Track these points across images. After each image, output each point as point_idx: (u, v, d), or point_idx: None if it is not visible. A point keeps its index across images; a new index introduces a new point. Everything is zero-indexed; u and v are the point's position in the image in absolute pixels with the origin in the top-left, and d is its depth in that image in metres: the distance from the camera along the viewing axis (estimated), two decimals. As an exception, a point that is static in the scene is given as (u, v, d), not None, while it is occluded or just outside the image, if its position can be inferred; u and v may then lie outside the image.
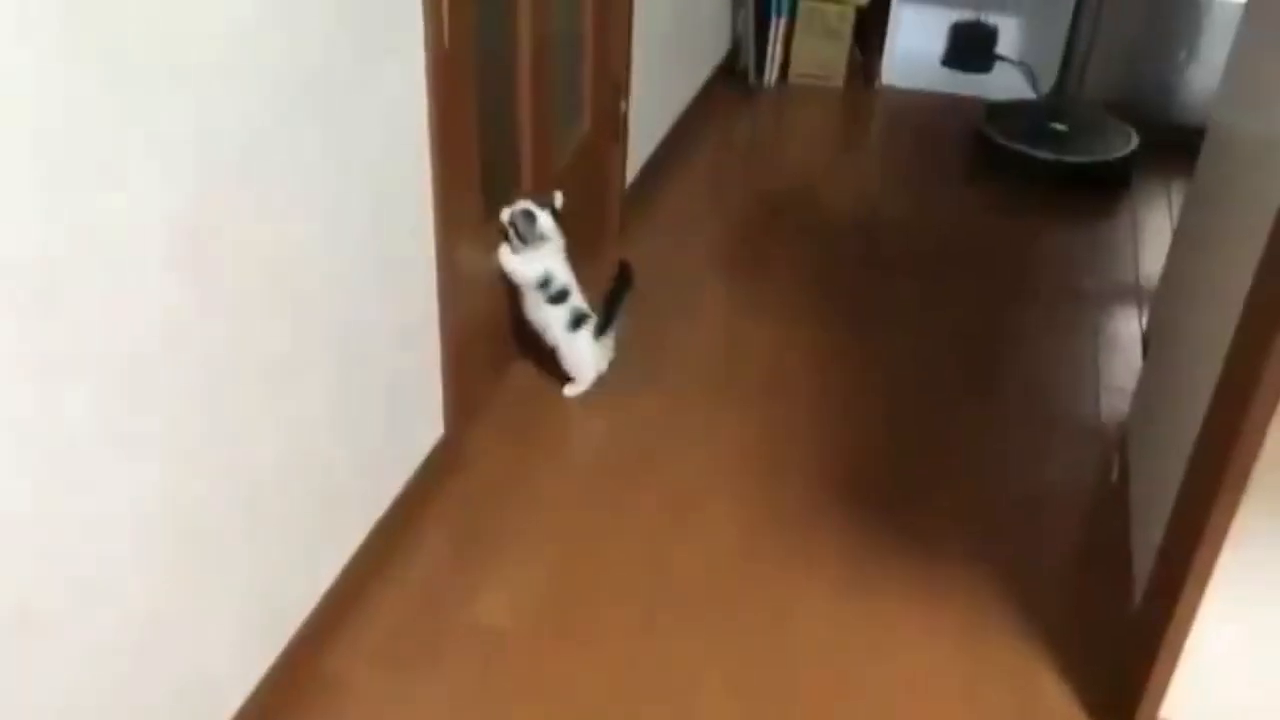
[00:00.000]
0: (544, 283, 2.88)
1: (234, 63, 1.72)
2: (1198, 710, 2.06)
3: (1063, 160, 4.24)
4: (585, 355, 2.96)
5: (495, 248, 2.86)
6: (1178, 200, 4.00)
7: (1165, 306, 3.00)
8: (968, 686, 2.27)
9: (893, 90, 4.98)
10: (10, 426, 1.43)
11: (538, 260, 2.87)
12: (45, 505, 1.52)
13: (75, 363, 1.52)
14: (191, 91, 1.64)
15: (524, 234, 2.82)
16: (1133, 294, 3.60)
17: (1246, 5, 2.79)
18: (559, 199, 2.92)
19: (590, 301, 3.00)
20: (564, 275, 2.93)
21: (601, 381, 3.02)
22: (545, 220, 2.85)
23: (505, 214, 2.83)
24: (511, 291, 2.96)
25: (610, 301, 3.01)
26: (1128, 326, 3.43)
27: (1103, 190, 4.25)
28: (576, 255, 3.03)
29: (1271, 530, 1.89)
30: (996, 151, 4.34)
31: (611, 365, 3.04)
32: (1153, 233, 3.93)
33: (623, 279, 3.04)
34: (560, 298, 2.91)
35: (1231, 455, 1.85)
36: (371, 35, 2.09)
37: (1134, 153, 4.29)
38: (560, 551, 2.56)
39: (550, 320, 2.92)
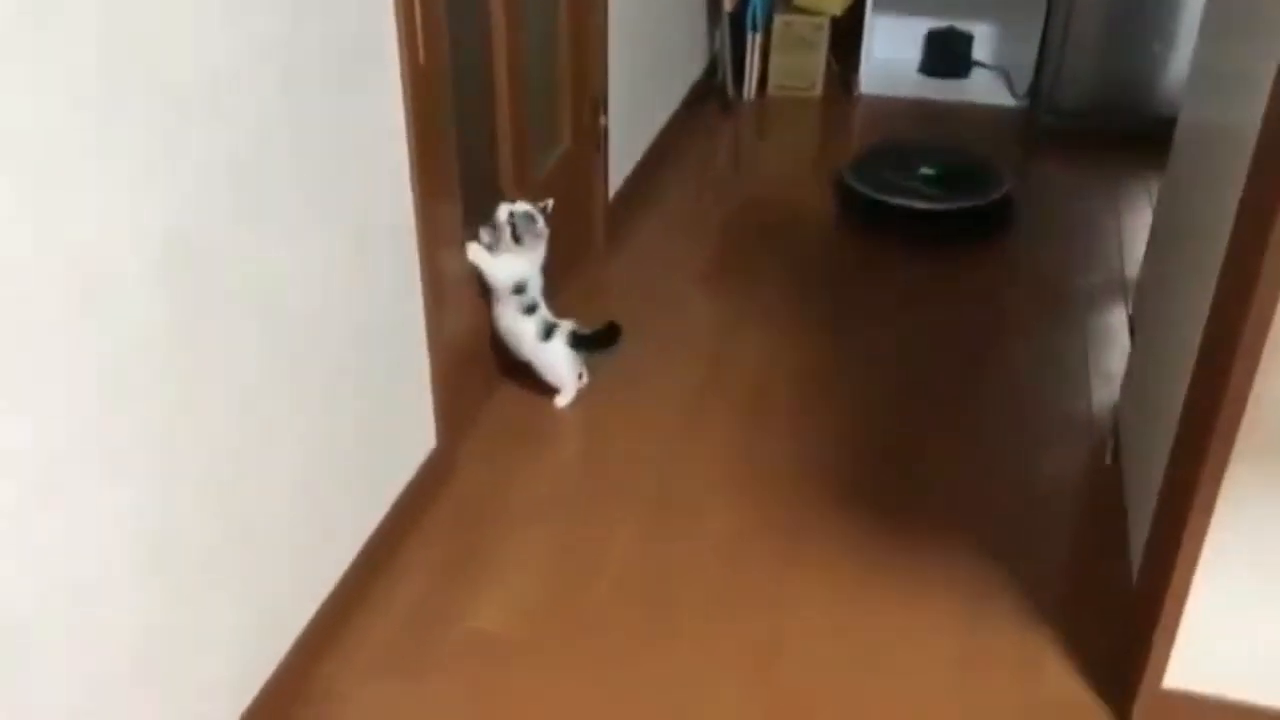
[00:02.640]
0: (519, 288, 2.88)
1: (211, 77, 1.74)
2: (1200, 678, 2.06)
3: (932, 209, 3.89)
4: (562, 362, 2.97)
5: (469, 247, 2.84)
6: (1157, 192, 4.03)
7: (1147, 290, 3.02)
8: (970, 673, 2.27)
9: (871, 99, 5.02)
10: (-6, 436, 1.44)
11: (515, 265, 2.87)
12: (29, 523, 1.51)
13: (56, 380, 1.52)
14: (172, 110, 1.66)
15: (521, 234, 2.83)
16: (1119, 285, 3.61)
17: (1207, -1, 2.84)
18: (550, 205, 2.94)
19: (557, 312, 3.02)
20: (537, 285, 2.94)
21: (590, 393, 3.03)
22: (542, 224, 2.87)
23: (504, 211, 2.82)
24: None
25: (589, 341, 3.00)
26: (1116, 316, 3.44)
27: (979, 237, 3.91)
28: (560, 269, 3.05)
29: (1258, 496, 1.89)
30: (861, 203, 3.98)
31: (599, 377, 3.05)
32: (1135, 225, 3.95)
33: (608, 335, 3.02)
34: (532, 309, 2.93)
35: (1215, 425, 1.86)
36: (348, 52, 2.11)
37: (1007, 195, 3.99)
38: (553, 560, 2.56)
39: (522, 331, 2.93)
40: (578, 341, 2.98)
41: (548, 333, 2.94)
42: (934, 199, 3.90)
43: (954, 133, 4.74)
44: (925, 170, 4.02)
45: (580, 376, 3.02)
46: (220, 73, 1.76)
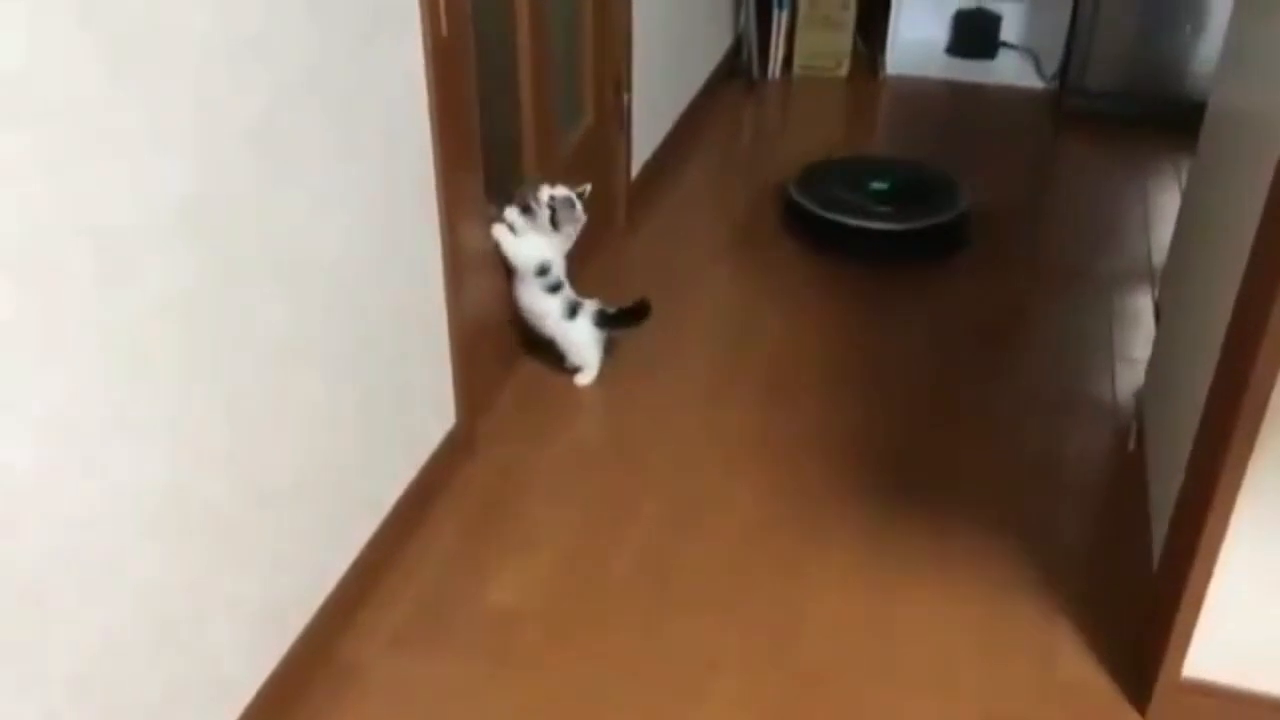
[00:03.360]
0: (542, 270, 2.87)
1: (233, 44, 1.73)
2: (1221, 667, 2.03)
3: (887, 230, 3.57)
4: (587, 341, 2.96)
5: (495, 227, 2.84)
6: (1185, 176, 3.98)
7: (1174, 274, 2.99)
8: (988, 657, 2.25)
9: (898, 79, 4.98)
10: (10, 404, 1.44)
11: (539, 247, 2.86)
12: (46, 485, 1.51)
13: (75, 344, 1.52)
14: (192, 73, 1.65)
15: (560, 220, 2.84)
16: (1145, 269, 3.58)
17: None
18: (588, 190, 2.94)
19: (579, 290, 3.01)
20: (560, 267, 2.92)
21: (610, 371, 3.02)
22: (580, 210, 2.88)
23: (545, 194, 2.83)
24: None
25: (616, 319, 2.99)
26: (1141, 300, 3.41)
27: (930, 259, 3.59)
28: (582, 246, 3.04)
29: (1286, 481, 1.87)
30: (804, 219, 3.67)
31: (619, 355, 3.03)
32: (1163, 209, 3.90)
33: (638, 311, 3.01)
34: (556, 288, 2.91)
35: (1240, 412, 1.83)
36: (369, 20, 2.10)
37: (963, 214, 3.64)
38: (572, 536, 2.55)
39: (548, 309, 2.92)
40: (604, 320, 2.97)
41: (572, 311, 2.92)
42: (881, 218, 3.58)
43: (979, 114, 4.71)
44: (876, 185, 3.70)
45: (602, 358, 3.01)
46: (241, 39, 1.75)
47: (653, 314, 3.03)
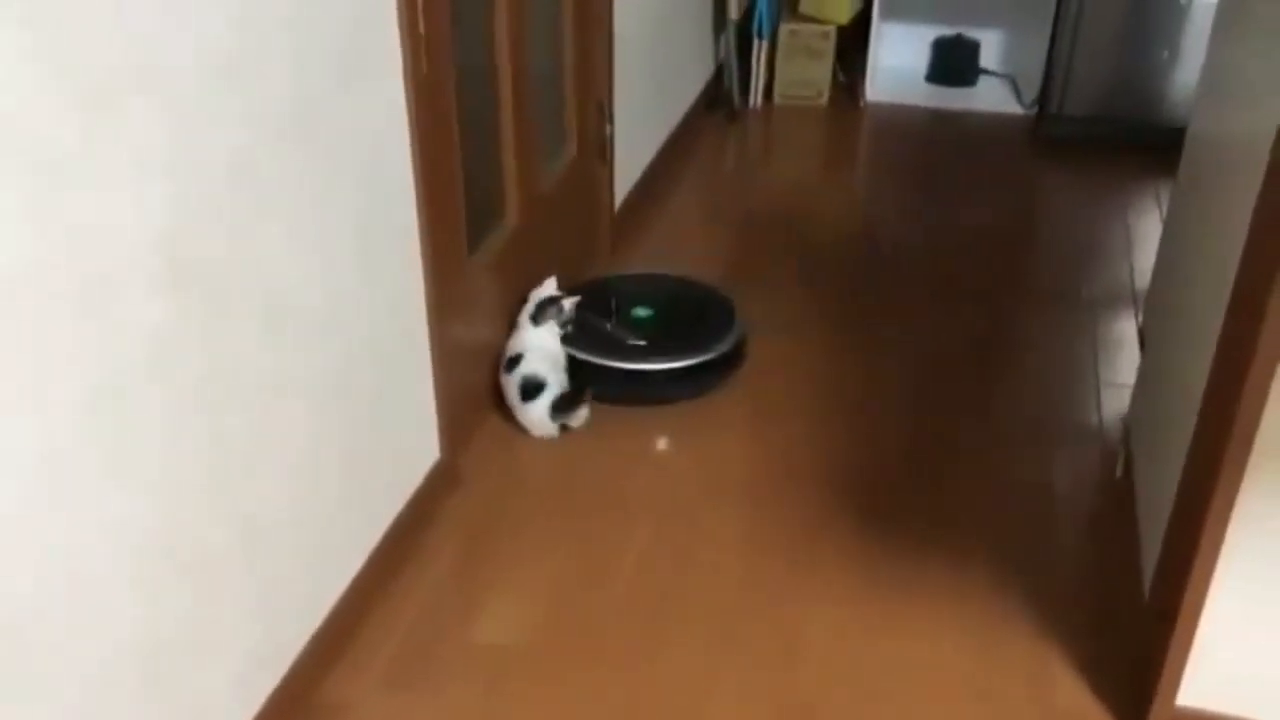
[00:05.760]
0: (511, 362, 2.90)
1: (214, 86, 1.72)
2: (1214, 696, 2.03)
3: (643, 370, 3.02)
4: (534, 424, 2.90)
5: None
6: (1166, 200, 4.01)
7: (1158, 301, 2.99)
8: (982, 686, 2.24)
9: (878, 107, 5.00)
10: (-8, 448, 1.42)
11: (520, 343, 2.92)
12: (30, 526, 1.50)
13: (56, 383, 1.50)
14: (172, 115, 1.64)
15: (541, 317, 2.97)
16: (1128, 294, 3.59)
17: (1219, 5, 2.81)
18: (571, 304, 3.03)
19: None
20: (537, 357, 2.91)
21: (595, 403, 3.00)
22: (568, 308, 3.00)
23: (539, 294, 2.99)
24: (501, 317, 2.96)
25: (563, 402, 2.90)
26: (1125, 325, 3.42)
27: (691, 395, 3.06)
28: (567, 277, 3.02)
29: (1274, 511, 1.86)
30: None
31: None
32: (1144, 234, 3.92)
33: (575, 395, 2.91)
34: (511, 364, 2.90)
35: (1230, 439, 1.83)
36: (351, 58, 2.10)
37: (735, 348, 3.11)
38: (560, 571, 2.53)
39: (505, 388, 2.92)
40: (561, 404, 2.88)
41: (529, 391, 2.86)
42: (634, 356, 3.04)
43: (959, 141, 4.74)
44: (639, 312, 3.22)
45: (564, 427, 2.92)
46: (221, 76, 1.74)
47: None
